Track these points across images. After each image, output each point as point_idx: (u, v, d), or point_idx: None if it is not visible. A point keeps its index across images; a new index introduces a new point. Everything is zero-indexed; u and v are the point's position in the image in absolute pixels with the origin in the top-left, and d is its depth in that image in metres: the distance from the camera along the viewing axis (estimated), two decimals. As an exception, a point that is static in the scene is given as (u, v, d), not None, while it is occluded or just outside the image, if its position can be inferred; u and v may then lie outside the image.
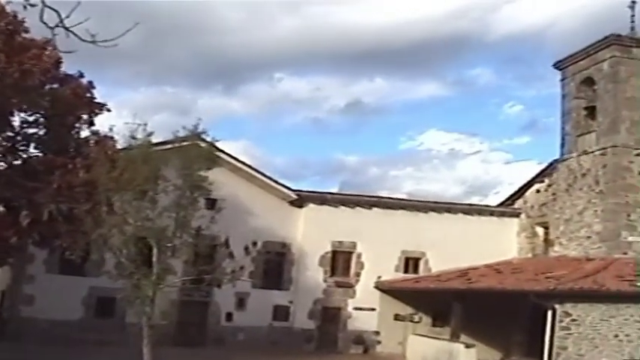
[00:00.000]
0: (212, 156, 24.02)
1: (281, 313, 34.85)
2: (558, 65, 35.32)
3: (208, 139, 24.34)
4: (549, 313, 25.38)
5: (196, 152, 23.40)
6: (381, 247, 35.36)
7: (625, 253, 30.05)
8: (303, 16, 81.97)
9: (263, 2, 76.84)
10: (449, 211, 37.74)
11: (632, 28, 32.73)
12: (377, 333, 35.41)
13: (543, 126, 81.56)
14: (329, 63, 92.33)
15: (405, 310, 35.04)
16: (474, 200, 54.94)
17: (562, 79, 35.17)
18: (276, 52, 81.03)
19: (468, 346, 29.91)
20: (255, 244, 34.74)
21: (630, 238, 30.50)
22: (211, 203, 27.13)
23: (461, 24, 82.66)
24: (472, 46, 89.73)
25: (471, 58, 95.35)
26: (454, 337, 31.38)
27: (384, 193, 42.87)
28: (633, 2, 33.13)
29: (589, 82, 33.49)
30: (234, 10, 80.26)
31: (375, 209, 36.61)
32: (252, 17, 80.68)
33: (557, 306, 25.19)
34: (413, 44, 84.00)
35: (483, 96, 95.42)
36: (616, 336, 25.36)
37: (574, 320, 25.23)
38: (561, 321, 25.18)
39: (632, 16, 32.92)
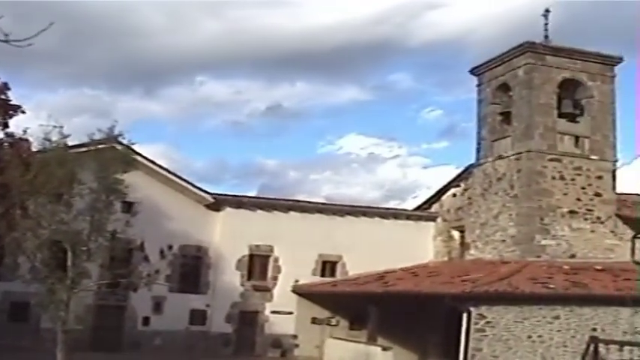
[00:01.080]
0: (128, 159, 23.66)
1: (198, 317, 34.56)
2: (475, 71, 35.89)
3: (125, 141, 24.01)
4: (465, 316, 25.60)
5: (112, 155, 23.02)
6: (298, 250, 35.35)
7: (539, 257, 30.69)
8: (225, 19, 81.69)
9: (185, 5, 76.37)
10: (365, 214, 37.95)
11: (546, 36, 33.46)
12: (294, 337, 35.39)
13: (462, 131, 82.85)
14: (250, 66, 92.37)
15: (323, 313, 35.11)
16: (393, 204, 55.53)
17: (478, 85, 35.74)
18: (198, 55, 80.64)
19: (384, 348, 30.09)
20: (170, 247, 34.41)
21: (544, 242, 31.14)
22: (127, 206, 26.79)
23: (383, 29, 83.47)
24: (393, 52, 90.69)
25: (392, 64, 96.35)
26: (371, 340, 31.54)
27: (302, 197, 42.98)
28: (547, 11, 33.91)
29: (504, 88, 34.10)
30: (156, 13, 79.55)
31: (292, 213, 36.61)
32: (174, 20, 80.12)
33: (472, 308, 25.42)
34: (334, 49, 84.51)
35: (403, 101, 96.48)
36: (529, 337, 25.79)
37: (489, 322, 25.52)
38: (476, 323, 25.42)
39: (546, 24, 33.69)
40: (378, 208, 40.52)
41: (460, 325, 25.80)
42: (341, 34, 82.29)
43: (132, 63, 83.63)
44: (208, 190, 35.84)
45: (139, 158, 30.38)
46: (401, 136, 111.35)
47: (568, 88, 33.10)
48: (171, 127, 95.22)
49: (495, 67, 34.49)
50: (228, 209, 35.64)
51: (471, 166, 35.76)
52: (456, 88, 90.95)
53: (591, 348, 25.09)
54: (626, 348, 25.88)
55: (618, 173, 33.34)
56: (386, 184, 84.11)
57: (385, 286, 31.38)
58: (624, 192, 34.52)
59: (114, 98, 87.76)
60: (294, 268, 35.59)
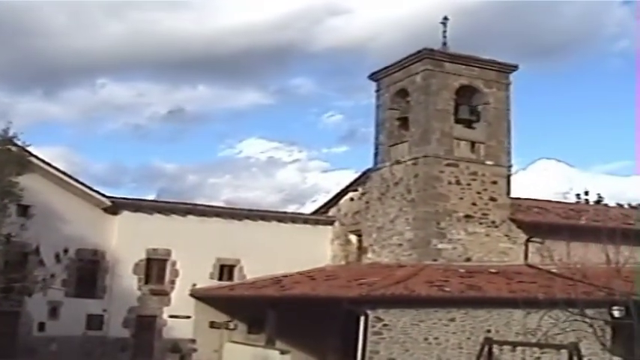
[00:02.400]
0: (23, 161, 23.21)
1: (95, 322, 33.81)
2: (374, 77, 36.21)
3: (20, 143, 23.43)
4: (362, 319, 25.87)
5: (6, 157, 22.50)
6: (196, 254, 34.96)
7: (435, 260, 31.10)
8: (128, 21, 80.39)
9: (87, 6, 74.89)
10: (263, 218, 37.84)
11: (445, 43, 34.01)
12: (193, 341, 34.98)
13: (361, 136, 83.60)
14: (153, 70, 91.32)
15: (221, 317, 34.86)
16: (292, 208, 55.51)
17: (377, 90, 36.07)
18: (100, 57, 78.97)
19: (283, 352, 30.05)
20: (66, 251, 33.52)
21: (440, 245, 31.61)
22: (22, 210, 26.06)
23: (285, 34, 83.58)
24: (296, 57, 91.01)
25: (294, 68, 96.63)
26: (269, 344, 31.48)
27: (201, 201, 42.60)
28: (445, 19, 34.47)
29: (403, 93, 34.51)
30: (56, 13, 77.68)
31: (190, 216, 36.22)
32: (76, 21, 78.38)
33: (369, 311, 25.69)
34: (237, 53, 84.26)
35: (304, 105, 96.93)
36: (426, 339, 26.18)
37: (386, 325, 25.82)
38: (373, 326, 25.70)
39: (445, 32, 34.25)
40: (275, 212, 40.45)
41: (358, 328, 26.04)
42: (244, 39, 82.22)
43: (32, 64, 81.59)
44: (106, 194, 35.17)
45: (35, 160, 29.75)
46: (301, 140, 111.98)
47: (465, 94, 33.70)
48: (71, 130, 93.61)
49: (394, 72, 34.87)
50: (126, 213, 35.04)
51: (369, 170, 36.04)
52: (357, 93, 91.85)
53: (485, 349, 25.54)
54: (519, 348, 26.57)
55: (513, 178, 34.15)
56: (285, 188, 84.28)
57: (282, 290, 31.39)
58: (518, 197, 35.36)
59: (12, 99, 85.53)
60: (192, 271, 35.20)
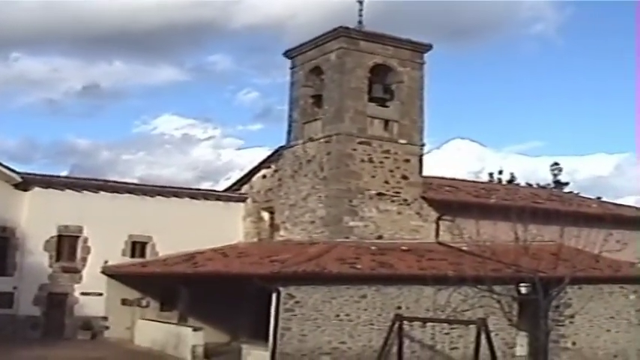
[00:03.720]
0: None
1: (4, 299, 33.05)
2: (289, 54, 36.06)
3: None
4: (274, 296, 25.92)
5: None
6: (107, 231, 34.45)
7: (347, 238, 31.25)
8: (44, -6, 78.39)
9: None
10: (176, 195, 37.50)
11: (360, 22, 34.08)
12: (105, 318, 34.50)
13: (277, 114, 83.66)
14: (68, 45, 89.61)
15: (133, 294, 34.50)
16: (206, 186, 55.22)
17: (292, 68, 35.96)
18: (14, 30, 77.03)
19: (195, 329, 29.91)
20: (-26, 228, 32.88)
21: (352, 223, 31.79)
22: None
23: (203, 11, 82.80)
24: (213, 34, 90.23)
25: (212, 45, 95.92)
26: (182, 321, 31.35)
27: (115, 178, 41.99)
28: (362, -3, 34.50)
29: (317, 71, 34.49)
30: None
31: (102, 193, 35.65)
32: (-11, -7, 76.06)
33: (281, 288, 25.72)
34: (153, 29, 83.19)
35: (220, 82, 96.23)
36: (337, 316, 26.35)
37: (298, 302, 25.89)
38: (285, 303, 25.74)
39: (361, 10, 34.29)
40: (188, 188, 40.11)
41: (270, 305, 26.08)
42: (161, 15, 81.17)
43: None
44: (17, 170, 34.36)
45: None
46: (216, 117, 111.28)
47: (379, 73, 33.84)
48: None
49: (309, 50, 34.81)
50: (37, 189, 34.28)
51: (282, 147, 35.97)
52: (274, 71, 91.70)
53: (396, 325, 26.02)
54: (429, 324, 27.07)
55: (426, 157, 34.53)
56: (200, 165, 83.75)
57: (195, 267, 31.20)
58: (430, 175, 35.76)
59: None
60: (104, 248, 34.69)
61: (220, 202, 38.40)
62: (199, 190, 40.73)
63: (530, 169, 76.44)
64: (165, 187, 38.75)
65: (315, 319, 26.10)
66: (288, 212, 34.68)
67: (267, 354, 26.00)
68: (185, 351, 29.46)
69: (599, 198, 46.37)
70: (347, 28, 33.07)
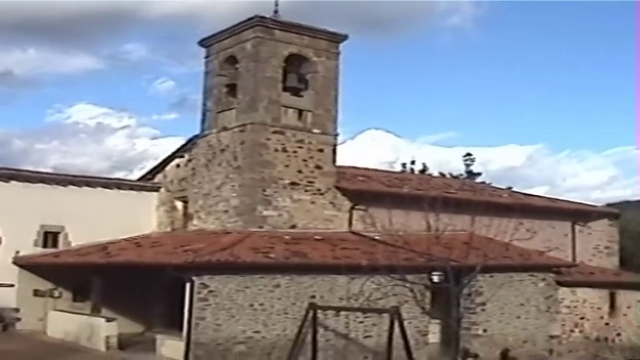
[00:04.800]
0: None
1: None
2: (204, 43, 35.79)
3: None
4: (188, 285, 25.81)
5: None
6: (19, 221, 33.54)
7: (261, 227, 31.22)
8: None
9: None
10: (89, 184, 36.84)
11: (276, 12, 33.95)
12: (16, 310, 33.67)
13: (193, 103, 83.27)
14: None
15: (45, 285, 33.80)
16: (120, 175, 54.44)
17: (206, 57, 35.69)
18: None
19: (109, 320, 29.53)
20: None
21: (265, 212, 31.77)
22: None
23: (119, 0, 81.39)
24: (130, 22, 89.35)
25: (128, 34, 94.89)
26: (95, 312, 30.96)
27: (28, 167, 41.08)
28: (278, -13, 34.42)
29: (232, 60, 34.30)
30: None
31: (13, 182, 34.77)
32: None
33: (194, 278, 25.63)
34: (69, 17, 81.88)
35: (136, 71, 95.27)
36: (251, 305, 26.35)
37: (212, 291, 25.83)
38: (199, 292, 25.65)
39: (277, 0, 34.20)
40: (101, 178, 39.46)
41: (184, 295, 25.97)
42: (76, 2, 79.93)
43: None
44: None
45: None
46: (131, 106, 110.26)
47: (294, 62, 33.81)
48: None
49: (224, 39, 34.60)
50: (-55, 178, 33.42)
51: (196, 137, 35.75)
52: (190, 60, 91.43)
53: (310, 314, 26.16)
54: (343, 313, 27.31)
55: (341, 147, 34.71)
56: (114, 154, 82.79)
57: (108, 257, 30.79)
58: (344, 165, 35.97)
59: None
60: (15, 239, 33.79)
61: (134, 192, 37.93)
62: (112, 179, 40.08)
63: (444, 159, 77.62)
64: (78, 176, 38.03)
65: (230, 308, 26.07)
66: (202, 202, 34.48)
67: (182, 344, 25.90)
68: (98, 342, 29.04)
69: (510, 188, 47.42)
70: (263, 17, 32.96)
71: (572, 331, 34.52)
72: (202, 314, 25.64)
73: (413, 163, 58.43)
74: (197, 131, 35.71)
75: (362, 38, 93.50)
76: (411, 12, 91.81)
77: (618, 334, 36.07)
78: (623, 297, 36.38)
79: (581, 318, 34.91)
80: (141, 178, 39.75)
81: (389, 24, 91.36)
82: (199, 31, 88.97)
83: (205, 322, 25.66)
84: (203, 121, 35.39)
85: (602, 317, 35.57)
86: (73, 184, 36.34)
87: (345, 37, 34.91)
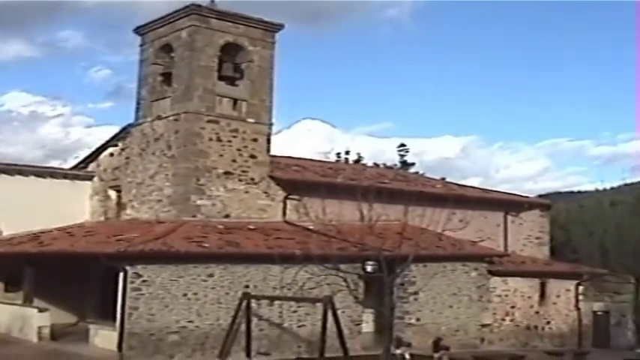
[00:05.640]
0: None
1: None
2: (139, 31, 35.45)
3: None
4: (121, 275, 25.69)
5: None
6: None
7: (194, 216, 31.14)
8: None
9: None
10: (21, 173, 36.23)
11: (213, 0, 33.80)
12: (-54, 302, 33.20)
13: (129, 92, 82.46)
14: None
15: (-23, 276, 33.32)
16: (54, 164, 53.79)
17: (142, 45, 35.36)
18: None
19: (41, 310, 29.20)
20: None
21: (199, 202, 31.66)
22: None
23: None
24: (65, 9, 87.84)
25: (63, 21, 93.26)
26: (27, 302, 30.49)
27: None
28: (211, -25, 34.23)
29: (167, 48, 34.07)
30: None
31: (-57, 172, 34.24)
32: None
33: (128, 267, 25.53)
34: (4, 3, 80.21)
35: (72, 59, 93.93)
36: (185, 295, 26.32)
37: (145, 281, 25.75)
38: (132, 282, 25.56)
39: (214, -13, 34.07)
40: (33, 166, 38.89)
41: (117, 284, 25.84)
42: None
43: None
44: None
45: None
46: (66, 94, 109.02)
47: (230, 51, 33.70)
48: None
49: (159, 27, 34.31)
50: None
51: (130, 125, 35.45)
52: (127, 48, 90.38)
53: (244, 304, 26.22)
54: (277, 302, 27.41)
55: (277, 137, 34.71)
56: (48, 143, 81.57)
57: (40, 247, 30.38)
58: (278, 154, 36.00)
59: None
60: (-54, 228, 33.32)
61: (67, 181, 37.43)
62: (45, 168, 39.56)
63: (379, 149, 78.17)
64: (10, 164, 37.33)
65: (163, 298, 26.02)
66: (136, 191, 34.23)
67: (115, 334, 25.79)
68: (31, 333, 28.76)
69: (443, 179, 47.88)
70: (199, 5, 32.77)
71: (503, 319, 35.11)
72: (135, 304, 25.55)
73: (347, 153, 58.77)
74: (132, 120, 35.40)
75: (300, 29, 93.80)
76: (348, 4, 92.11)
77: (548, 323, 36.79)
78: (553, 286, 37.09)
79: (512, 307, 35.53)
80: (74, 167, 39.29)
81: (327, 15, 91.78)
82: (137, 18, 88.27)
83: (139, 311, 25.57)
84: (137, 109, 35.11)
85: (532, 306, 36.23)
86: (5, 173, 35.72)
87: (280, 27, 34.89)
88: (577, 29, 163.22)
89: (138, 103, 35.12)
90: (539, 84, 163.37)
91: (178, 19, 33.34)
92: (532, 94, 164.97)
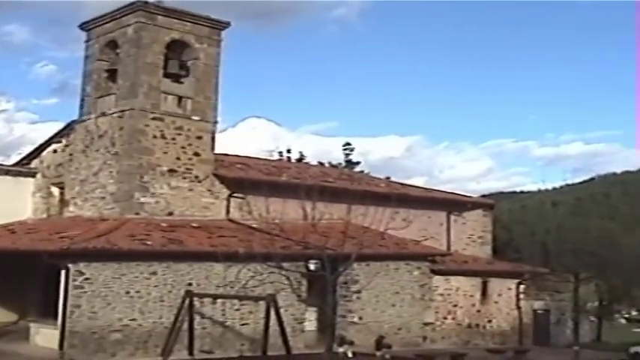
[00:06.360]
0: None
1: None
2: (85, 27, 35.13)
3: None
4: (63, 273, 25.58)
5: None
6: None
7: (137, 214, 31.00)
8: None
9: None
10: (-40, 169, 35.91)
11: (161, -2, 33.73)
12: None
13: (74, 88, 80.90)
14: None
15: None
16: (-3, 161, 52.87)
17: (87, 41, 35.04)
18: None
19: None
20: None
21: (143, 199, 31.53)
22: None
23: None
24: (10, 3, 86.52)
25: (9, 15, 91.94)
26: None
27: None
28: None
29: (113, 45, 33.82)
30: None
31: None
32: None
33: (70, 265, 25.44)
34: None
35: (16, 54, 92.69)
36: (127, 292, 26.27)
37: (87, 279, 25.66)
38: (75, 280, 25.47)
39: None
40: (-25, 163, 38.48)
41: (59, 282, 25.69)
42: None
43: None
44: None
45: None
46: (10, 90, 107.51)
47: (176, 49, 33.58)
48: None
49: (105, 23, 34.05)
50: None
51: (74, 122, 35.14)
52: (73, 44, 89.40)
53: (187, 302, 26.20)
54: (219, 300, 27.44)
55: (223, 135, 34.62)
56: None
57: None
58: (223, 153, 35.96)
59: None
60: None
61: (9, 177, 36.96)
62: (-15, 165, 39.09)
63: (324, 148, 78.45)
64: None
65: (106, 295, 25.94)
66: (79, 188, 33.94)
67: (57, 332, 25.66)
68: (-31, 332, 28.49)
69: (388, 178, 48.16)
70: (145, 2, 32.55)
71: (445, 318, 35.49)
72: (78, 302, 25.45)
73: (289, 151, 58.80)
74: (77, 117, 35.09)
75: (249, 27, 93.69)
76: (298, 3, 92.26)
77: (489, 321, 37.26)
78: (495, 285, 37.59)
79: (454, 305, 35.94)
80: (17, 164, 38.77)
81: (277, 14, 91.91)
82: (83, 14, 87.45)
83: (81, 310, 25.47)
84: (82, 106, 34.80)
85: (474, 305, 36.67)
86: (-55, 170, 35.31)
87: (227, 25, 34.87)
88: (523, 29, 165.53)
89: (82, 100, 34.82)
90: (486, 84, 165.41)
91: (124, 16, 33.15)
92: (478, 94, 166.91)
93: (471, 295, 36.64)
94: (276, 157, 54.34)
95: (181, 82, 33.77)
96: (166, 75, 33.21)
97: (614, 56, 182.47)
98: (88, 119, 34.10)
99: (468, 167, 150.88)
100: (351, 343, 28.72)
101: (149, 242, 27.29)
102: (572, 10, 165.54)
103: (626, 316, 74.48)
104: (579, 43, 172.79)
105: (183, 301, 26.27)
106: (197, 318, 26.93)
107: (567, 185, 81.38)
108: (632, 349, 35.26)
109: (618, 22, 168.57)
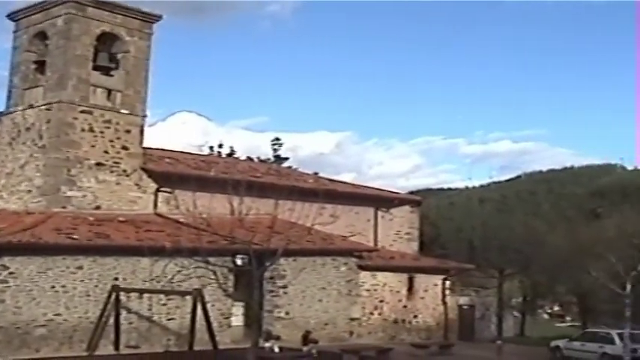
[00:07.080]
0: None
1: None
2: (13, 17, 34.69)
3: None
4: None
5: None
6: None
7: (64, 208, 30.74)
8: None
9: None
10: None
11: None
12: None
13: (1, 80, 79.57)
14: None
15: None
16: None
17: (15, 31, 34.66)
18: None
19: None
20: None
21: (70, 193, 31.27)
22: None
23: None
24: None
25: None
26: None
27: None
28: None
29: (42, 36, 33.48)
30: None
31: None
32: None
33: (-6, 259, 25.15)
34: None
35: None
36: (53, 287, 26.11)
37: (12, 273, 25.47)
38: (-1, 274, 25.22)
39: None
40: None
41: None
42: None
43: None
44: None
45: None
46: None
47: (106, 41, 33.38)
48: None
49: (35, 14, 33.67)
50: None
51: (0, 114, 34.65)
52: (0, 34, 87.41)
53: (113, 296, 26.12)
54: (146, 295, 27.38)
55: (153, 129, 34.50)
56: None
57: None
58: (151, 147, 35.80)
59: None
60: None
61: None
62: None
63: (254, 143, 78.33)
64: None
65: (30, 290, 25.76)
66: (5, 181, 33.51)
67: (-22, 328, 25.34)
68: None
69: (316, 173, 48.37)
70: (77, -7, 32.30)
71: (371, 313, 35.97)
72: (1, 297, 25.29)
73: (220, 146, 58.69)
74: (3, 108, 34.65)
75: (181, 22, 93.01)
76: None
77: (415, 316, 37.87)
78: (421, 281, 38.18)
79: (381, 301, 36.43)
80: None
81: (211, 9, 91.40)
82: (12, 4, 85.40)
83: (5, 304, 25.26)
84: (9, 98, 34.39)
85: (400, 300, 37.22)
86: None
87: (159, 18, 34.76)
88: (455, 27, 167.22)
89: (9, 91, 34.39)
90: (416, 81, 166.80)
91: (54, 7, 32.82)
92: (409, 91, 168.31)
93: (398, 291, 37.15)
94: (206, 151, 54.28)
95: (111, 75, 33.58)
96: (96, 68, 33.00)
97: (541, 56, 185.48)
98: (15, 111, 33.70)
99: (397, 164, 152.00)
100: (278, 338, 28.87)
101: (75, 236, 27.13)
102: (500, 8, 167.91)
103: (549, 311, 76.00)
104: (507, 43, 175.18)
105: (109, 296, 26.20)
106: (123, 313, 26.90)
107: (494, 183, 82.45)
108: (553, 343, 36.07)
109: (542, 22, 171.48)
